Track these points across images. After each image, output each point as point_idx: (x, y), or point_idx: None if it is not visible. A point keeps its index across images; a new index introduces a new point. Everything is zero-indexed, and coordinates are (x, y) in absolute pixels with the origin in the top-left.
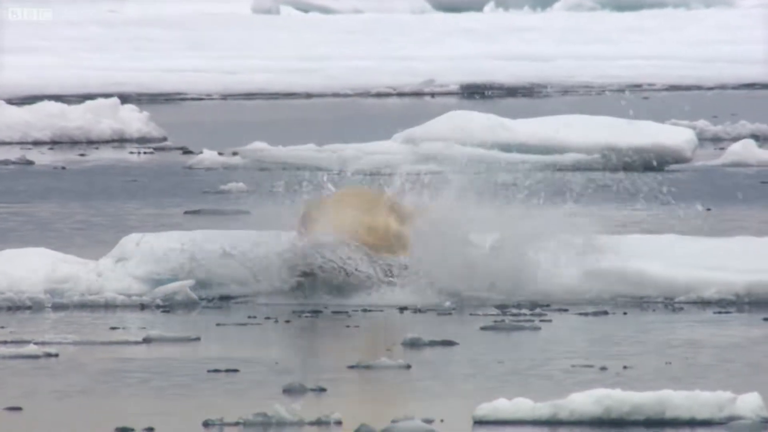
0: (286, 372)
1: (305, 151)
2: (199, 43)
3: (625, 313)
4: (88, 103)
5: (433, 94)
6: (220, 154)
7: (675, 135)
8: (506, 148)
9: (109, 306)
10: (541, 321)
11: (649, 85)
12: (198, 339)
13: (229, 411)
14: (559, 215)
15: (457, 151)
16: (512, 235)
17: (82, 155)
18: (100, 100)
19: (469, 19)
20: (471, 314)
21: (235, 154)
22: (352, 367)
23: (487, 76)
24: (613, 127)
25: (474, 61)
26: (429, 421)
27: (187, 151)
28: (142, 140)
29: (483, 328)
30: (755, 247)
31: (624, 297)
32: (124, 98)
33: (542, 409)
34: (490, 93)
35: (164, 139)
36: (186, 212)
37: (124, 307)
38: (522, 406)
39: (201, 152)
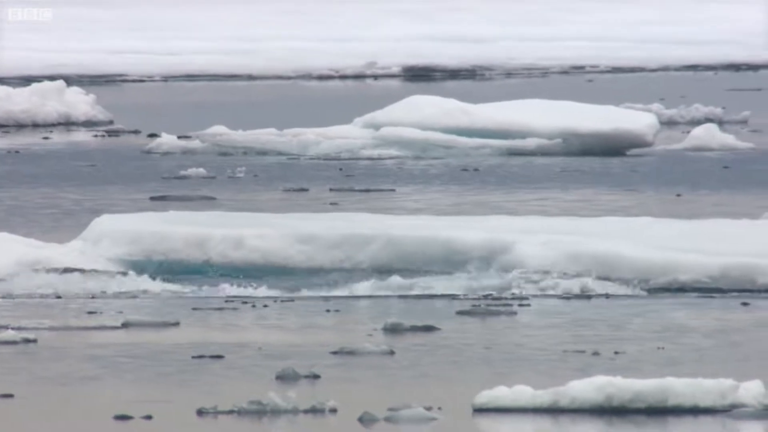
0: (271, 358)
1: (266, 135)
2: (136, 23)
3: (607, 297)
4: (34, 85)
5: (375, 77)
6: (180, 137)
7: (636, 119)
8: (467, 132)
9: (83, 288)
10: (519, 306)
11: (592, 66)
12: (177, 324)
13: (223, 398)
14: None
15: (417, 135)
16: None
17: (45, 138)
18: (46, 83)
19: None
20: (453, 298)
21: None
22: (335, 352)
23: (428, 58)
24: (574, 111)
25: (414, 42)
26: (427, 409)
27: (151, 134)
28: (88, 123)
29: (459, 313)
30: (730, 230)
31: (599, 279)
32: (66, 80)
33: (543, 396)
34: (434, 75)
35: (111, 122)
36: (152, 198)
37: (100, 291)
38: (522, 393)
39: (160, 135)
